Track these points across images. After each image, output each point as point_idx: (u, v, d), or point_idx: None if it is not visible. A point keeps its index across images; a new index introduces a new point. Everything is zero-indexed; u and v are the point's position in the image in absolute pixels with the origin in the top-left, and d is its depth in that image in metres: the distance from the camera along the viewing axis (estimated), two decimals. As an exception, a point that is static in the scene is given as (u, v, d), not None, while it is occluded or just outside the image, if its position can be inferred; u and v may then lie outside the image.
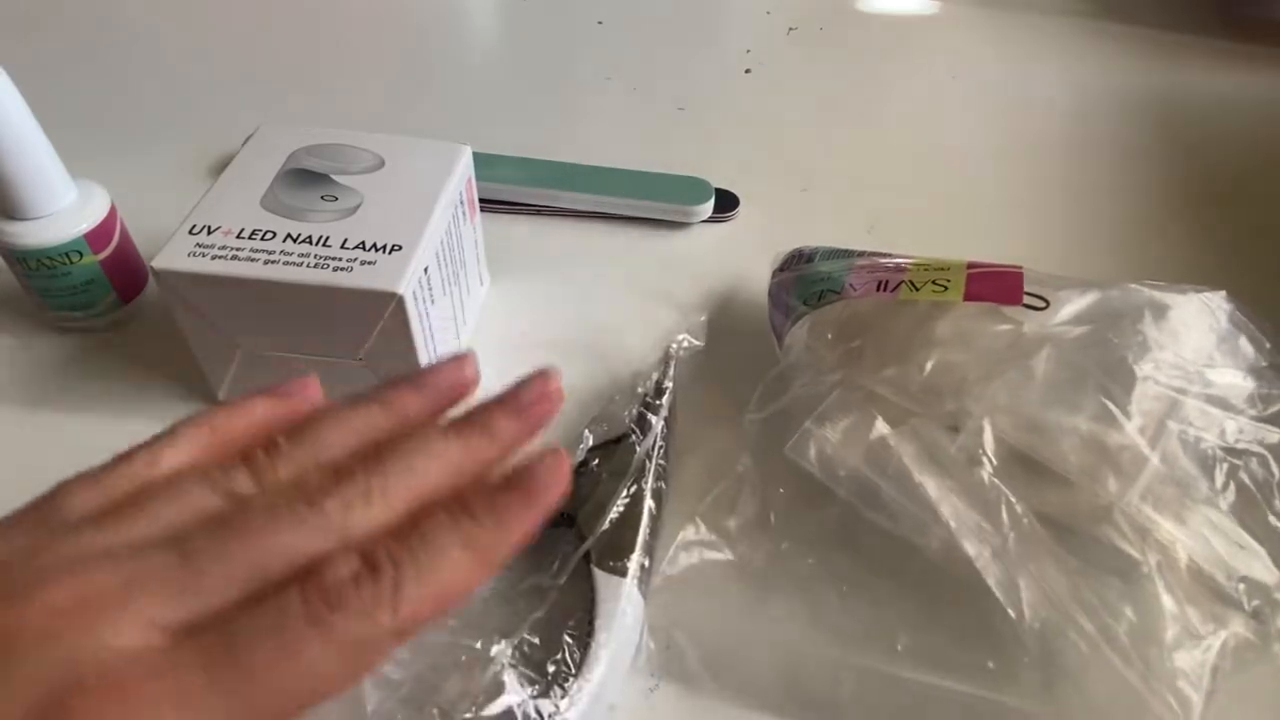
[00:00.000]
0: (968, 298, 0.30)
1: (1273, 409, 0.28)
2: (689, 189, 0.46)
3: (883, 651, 0.27)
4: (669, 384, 0.35)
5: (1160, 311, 0.30)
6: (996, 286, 0.31)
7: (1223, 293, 0.31)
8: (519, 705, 0.25)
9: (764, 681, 0.28)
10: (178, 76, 0.56)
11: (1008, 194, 0.49)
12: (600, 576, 0.28)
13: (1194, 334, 0.29)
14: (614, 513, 0.29)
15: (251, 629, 0.19)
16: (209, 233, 0.32)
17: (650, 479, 0.31)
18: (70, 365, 0.38)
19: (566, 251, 0.44)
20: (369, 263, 0.31)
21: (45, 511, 0.22)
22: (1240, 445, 0.27)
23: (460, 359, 0.25)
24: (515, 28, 0.64)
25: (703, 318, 0.37)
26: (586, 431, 0.32)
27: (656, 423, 0.33)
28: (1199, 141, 0.53)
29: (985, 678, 0.26)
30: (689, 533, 0.30)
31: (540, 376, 0.24)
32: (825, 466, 0.28)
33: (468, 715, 0.25)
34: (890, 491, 0.27)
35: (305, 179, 0.34)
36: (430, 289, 0.33)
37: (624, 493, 0.30)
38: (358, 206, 0.33)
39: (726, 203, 0.47)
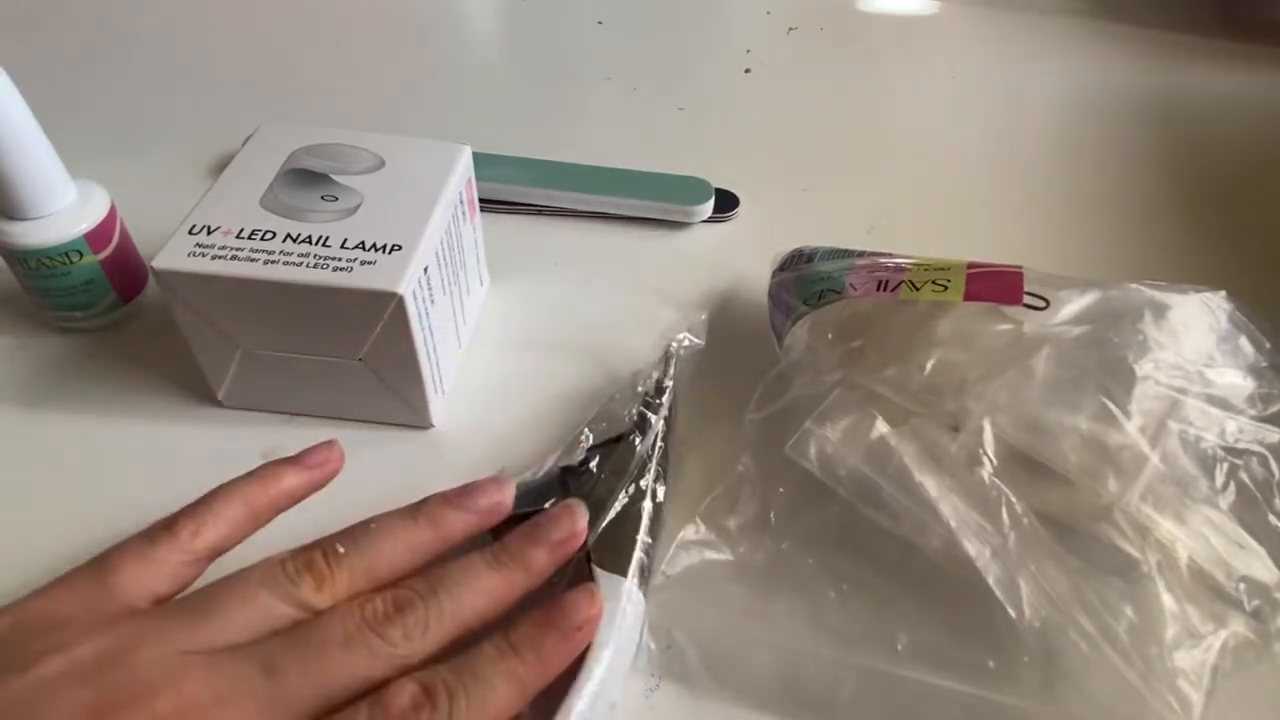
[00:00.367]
0: (968, 297, 0.30)
1: (1273, 409, 0.28)
2: (689, 189, 0.46)
3: (883, 651, 0.27)
4: (669, 383, 0.35)
5: (1160, 311, 0.30)
6: (997, 286, 0.31)
7: (1223, 292, 0.31)
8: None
9: (764, 681, 0.28)
10: (178, 76, 0.56)
11: (1008, 194, 0.49)
12: (601, 575, 0.28)
13: (1194, 334, 0.29)
14: (614, 511, 0.29)
15: None
16: (209, 233, 0.32)
17: (650, 477, 0.31)
18: (70, 365, 0.38)
19: (566, 251, 0.44)
20: (369, 263, 0.31)
21: (100, 586, 0.24)
22: (1240, 445, 0.27)
23: (500, 482, 0.29)
24: (515, 28, 0.64)
25: (703, 316, 0.37)
26: (587, 430, 0.32)
27: (656, 421, 0.33)
28: (1199, 141, 0.53)
29: (985, 677, 0.26)
30: (689, 533, 0.30)
31: (568, 515, 0.28)
32: (825, 466, 0.28)
33: None
34: (890, 491, 0.27)
35: (305, 179, 0.34)
36: (430, 289, 0.33)
37: (624, 491, 0.30)
38: (358, 206, 0.33)
39: (726, 203, 0.47)
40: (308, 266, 0.31)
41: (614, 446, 0.31)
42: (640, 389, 0.34)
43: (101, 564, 0.24)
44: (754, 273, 0.40)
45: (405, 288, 0.30)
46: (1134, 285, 0.31)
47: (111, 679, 0.21)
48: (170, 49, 0.59)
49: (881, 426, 0.28)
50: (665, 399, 0.34)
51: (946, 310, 0.31)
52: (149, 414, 0.36)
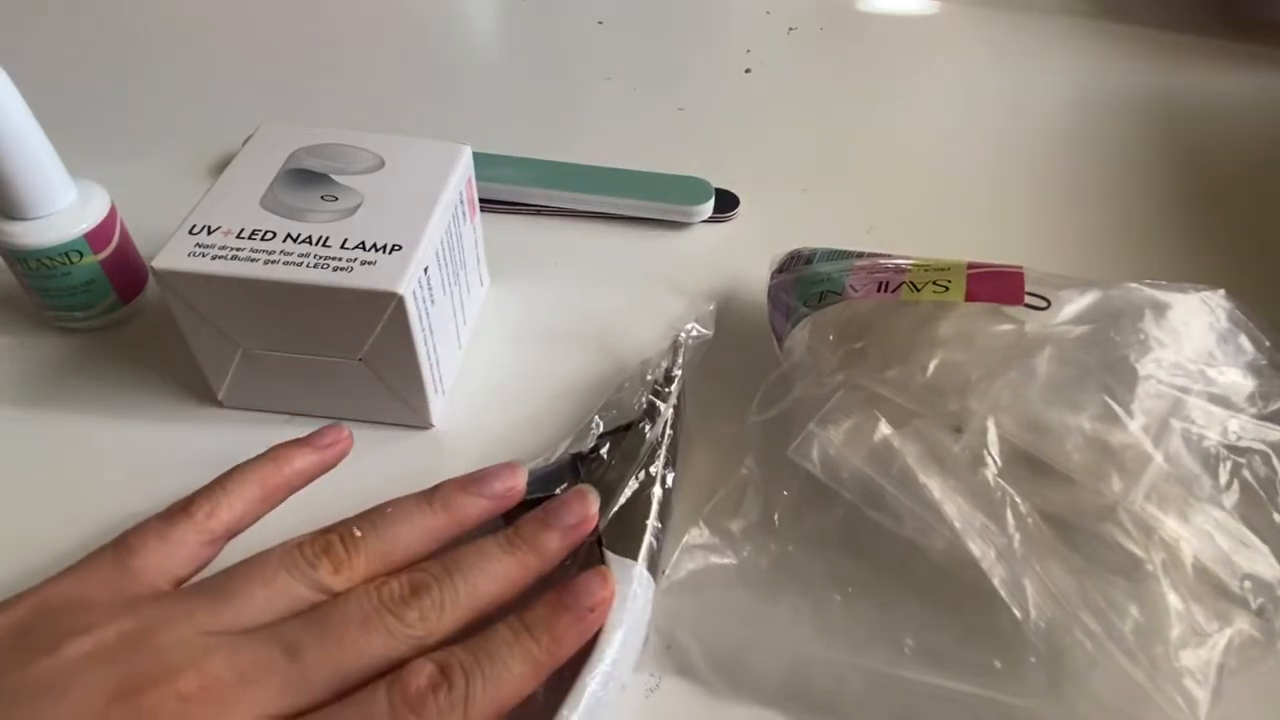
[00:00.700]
0: (969, 298, 0.30)
1: (1274, 406, 0.28)
2: (689, 189, 0.46)
3: (889, 653, 0.27)
4: (678, 372, 0.35)
5: (1160, 310, 0.30)
6: (998, 286, 0.31)
7: (1222, 291, 0.31)
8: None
9: (769, 684, 0.28)
10: (177, 76, 0.56)
11: (1008, 194, 0.49)
12: (612, 559, 0.28)
13: (1194, 332, 0.29)
14: (624, 497, 0.30)
15: None
16: (209, 233, 0.32)
17: (660, 464, 0.31)
18: (70, 365, 0.38)
19: (566, 251, 0.44)
20: (369, 263, 0.31)
21: (121, 568, 0.24)
22: (1243, 443, 0.27)
23: (513, 468, 0.29)
24: (515, 28, 0.64)
25: (711, 307, 0.38)
26: (597, 418, 0.32)
27: (666, 409, 0.33)
28: (1199, 141, 0.53)
29: (991, 678, 0.26)
30: (693, 536, 0.30)
31: (580, 500, 0.28)
32: (829, 468, 0.28)
33: None
34: (894, 493, 0.27)
35: (305, 179, 0.34)
36: (430, 289, 0.33)
37: (634, 478, 0.30)
38: (358, 206, 0.33)
39: (726, 203, 0.47)
40: (308, 266, 0.31)
41: (624, 434, 0.32)
42: (650, 377, 0.34)
43: (121, 546, 0.25)
44: (754, 273, 0.40)
45: (405, 288, 0.30)
46: (1134, 285, 0.31)
47: (135, 660, 0.22)
48: (170, 49, 0.59)
49: (884, 428, 0.28)
50: (674, 388, 0.34)
51: (948, 311, 0.31)
52: (149, 414, 0.36)
